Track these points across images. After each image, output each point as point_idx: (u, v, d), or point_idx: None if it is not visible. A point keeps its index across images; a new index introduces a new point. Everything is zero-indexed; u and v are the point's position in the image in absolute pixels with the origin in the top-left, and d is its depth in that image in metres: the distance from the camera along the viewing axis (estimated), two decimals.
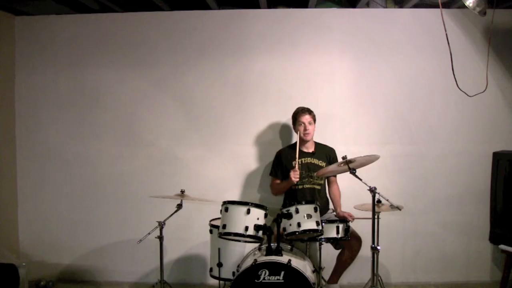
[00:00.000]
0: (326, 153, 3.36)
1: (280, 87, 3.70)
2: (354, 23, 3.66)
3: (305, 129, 3.25)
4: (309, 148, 3.34)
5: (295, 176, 3.09)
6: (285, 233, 2.69)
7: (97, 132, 3.79)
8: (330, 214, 3.32)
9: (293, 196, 3.23)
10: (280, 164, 3.37)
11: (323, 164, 3.30)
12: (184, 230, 3.69)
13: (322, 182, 3.32)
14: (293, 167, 3.19)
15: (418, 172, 3.69)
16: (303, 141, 3.30)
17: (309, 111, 3.30)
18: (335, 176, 3.40)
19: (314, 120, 3.31)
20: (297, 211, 2.65)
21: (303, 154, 3.30)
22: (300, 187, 3.26)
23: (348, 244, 3.14)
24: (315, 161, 3.31)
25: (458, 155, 3.67)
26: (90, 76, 3.77)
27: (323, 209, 3.27)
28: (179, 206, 3.16)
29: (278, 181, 3.38)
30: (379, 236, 2.86)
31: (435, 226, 3.69)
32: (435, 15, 3.54)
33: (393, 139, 3.69)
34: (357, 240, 3.19)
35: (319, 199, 3.23)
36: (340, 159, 2.68)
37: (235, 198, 3.67)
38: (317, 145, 3.39)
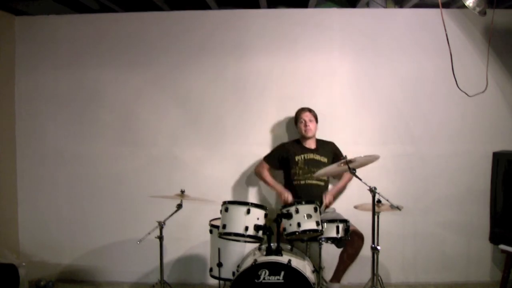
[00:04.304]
0: (327, 148, 3.44)
1: (280, 86, 3.69)
2: (354, 23, 3.66)
3: (305, 125, 3.36)
4: (311, 144, 3.42)
5: (286, 199, 3.21)
6: (285, 233, 2.69)
7: (97, 132, 3.79)
8: (332, 214, 3.33)
9: (296, 192, 3.27)
10: (279, 155, 3.44)
11: (325, 159, 3.37)
12: (184, 230, 3.69)
13: (325, 178, 3.36)
14: (295, 162, 3.33)
15: (418, 172, 3.69)
16: (305, 138, 3.40)
17: (309, 110, 3.44)
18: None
19: (316, 119, 3.43)
20: (297, 211, 2.65)
21: (305, 150, 3.38)
22: (302, 182, 3.30)
23: (350, 242, 3.13)
24: (317, 157, 3.37)
25: (458, 155, 3.67)
26: (90, 76, 3.77)
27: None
28: (179, 206, 3.15)
29: (268, 168, 3.46)
30: (379, 236, 2.86)
31: (435, 226, 3.69)
32: (435, 15, 3.53)
33: (393, 139, 3.69)
34: (359, 236, 3.21)
35: (322, 196, 3.26)
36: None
37: (235, 198, 3.67)
38: (318, 141, 3.48)
